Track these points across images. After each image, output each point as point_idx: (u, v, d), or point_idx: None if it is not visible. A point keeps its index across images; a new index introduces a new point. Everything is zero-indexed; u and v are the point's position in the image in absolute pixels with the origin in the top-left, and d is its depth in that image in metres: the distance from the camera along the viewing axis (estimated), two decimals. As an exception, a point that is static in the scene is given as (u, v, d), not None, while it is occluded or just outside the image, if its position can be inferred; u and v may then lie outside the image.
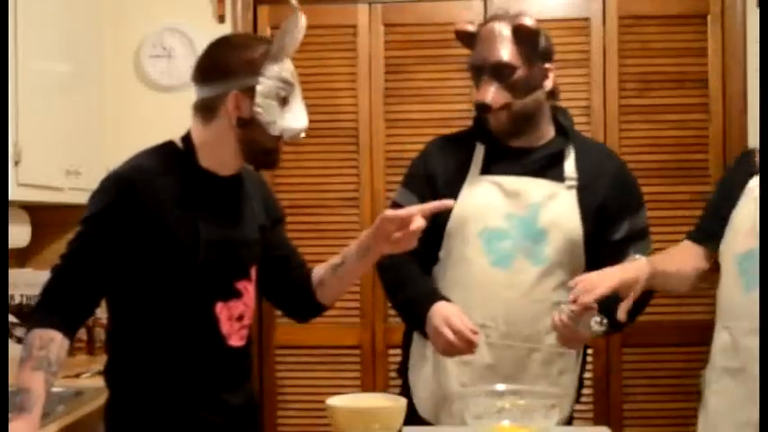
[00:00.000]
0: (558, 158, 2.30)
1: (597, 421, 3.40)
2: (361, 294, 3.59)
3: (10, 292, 3.12)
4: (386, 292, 2.38)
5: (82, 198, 3.18)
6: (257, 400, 2.19)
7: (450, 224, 2.27)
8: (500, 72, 2.25)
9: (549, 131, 2.34)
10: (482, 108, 2.26)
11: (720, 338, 2.16)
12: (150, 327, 1.93)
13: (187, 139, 1.97)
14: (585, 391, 3.56)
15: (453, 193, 2.26)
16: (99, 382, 2.71)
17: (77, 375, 2.79)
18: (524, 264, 2.23)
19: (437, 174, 2.34)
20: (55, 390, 2.54)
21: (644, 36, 3.55)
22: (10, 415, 1.76)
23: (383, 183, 3.59)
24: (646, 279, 2.06)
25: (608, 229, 2.28)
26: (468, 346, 2.12)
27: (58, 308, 1.85)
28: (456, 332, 2.12)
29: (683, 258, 2.22)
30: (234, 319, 1.96)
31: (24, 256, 3.40)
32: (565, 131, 2.34)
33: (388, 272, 2.33)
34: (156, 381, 1.93)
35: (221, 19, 3.57)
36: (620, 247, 2.27)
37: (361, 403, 1.91)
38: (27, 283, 3.19)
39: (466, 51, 3.58)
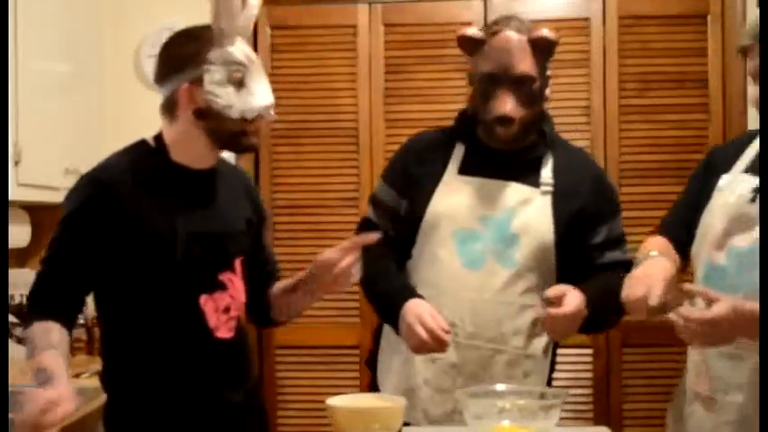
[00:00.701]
0: (537, 164, 2.30)
1: (597, 421, 3.40)
2: (360, 294, 3.58)
3: (10, 292, 3.11)
4: (361, 284, 2.34)
5: (82, 198, 3.21)
6: (261, 401, 2.18)
7: (425, 222, 2.27)
8: (521, 84, 2.23)
9: (531, 135, 2.33)
10: (502, 120, 2.23)
11: (692, 359, 2.08)
12: (139, 325, 1.93)
13: (159, 137, 1.99)
14: (585, 391, 3.57)
15: (429, 190, 2.28)
16: (98, 382, 2.72)
17: (77, 375, 2.78)
18: (495, 266, 2.23)
19: (416, 170, 2.35)
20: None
21: (644, 36, 3.56)
22: (39, 389, 1.72)
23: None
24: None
25: (586, 234, 2.29)
26: (439, 344, 2.13)
27: (46, 309, 1.88)
28: (428, 330, 2.12)
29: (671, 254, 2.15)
30: (220, 311, 1.96)
31: (24, 256, 3.40)
32: (545, 136, 2.34)
33: (365, 264, 2.32)
34: (151, 379, 1.93)
35: (221, 19, 3.57)
36: (598, 252, 2.28)
37: (361, 403, 1.91)
38: (27, 283, 3.13)
39: (466, 51, 3.61)
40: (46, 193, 2.95)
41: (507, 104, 2.22)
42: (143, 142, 2.00)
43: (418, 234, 2.30)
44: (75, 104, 3.19)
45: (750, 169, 2.01)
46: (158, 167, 1.95)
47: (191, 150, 1.95)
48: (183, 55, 1.92)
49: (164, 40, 2.01)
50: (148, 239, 1.89)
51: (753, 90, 1.95)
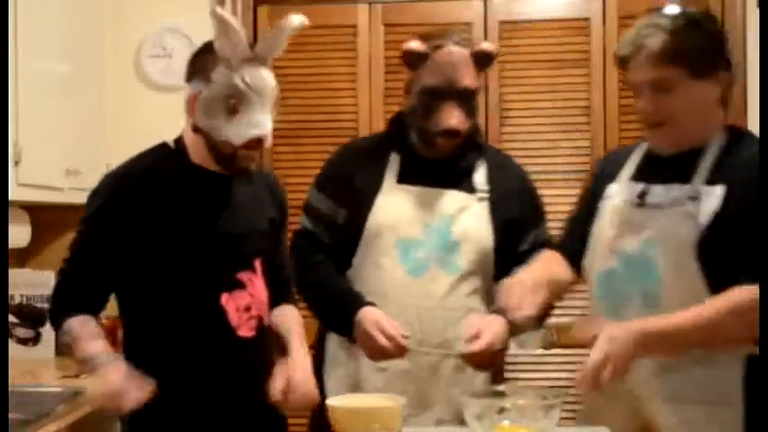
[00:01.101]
0: (470, 171, 2.35)
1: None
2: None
3: (10, 292, 3.11)
4: (299, 291, 2.34)
5: (82, 198, 3.17)
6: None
7: (367, 231, 2.29)
8: (465, 97, 2.28)
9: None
10: (449, 133, 2.27)
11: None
12: (160, 323, 1.96)
13: (179, 139, 2.02)
14: (585, 391, 3.57)
15: (368, 200, 2.29)
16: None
17: (77, 375, 2.78)
18: (438, 273, 2.26)
19: (352, 179, 2.36)
20: (55, 390, 2.56)
21: (644, 36, 3.55)
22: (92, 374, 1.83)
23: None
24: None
25: (517, 241, 2.34)
26: (399, 351, 2.16)
27: (73, 305, 1.92)
28: (389, 337, 2.15)
29: (559, 264, 2.16)
30: (242, 309, 1.97)
31: (24, 256, 3.40)
32: (478, 144, 2.39)
33: (303, 271, 2.34)
34: (172, 377, 1.94)
35: (221, 19, 3.57)
36: (526, 258, 2.29)
37: (361, 403, 1.91)
38: (27, 283, 3.19)
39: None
40: (46, 193, 2.95)
41: (454, 118, 2.26)
42: (164, 144, 2.03)
43: (360, 243, 2.30)
44: (75, 104, 3.19)
45: (635, 176, 2.03)
46: (178, 169, 1.97)
47: (201, 155, 1.97)
48: (196, 64, 1.94)
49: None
50: (168, 239, 1.92)
51: (635, 102, 1.98)
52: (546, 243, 2.35)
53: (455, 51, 2.28)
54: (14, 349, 3.08)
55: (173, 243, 1.92)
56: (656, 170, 1.98)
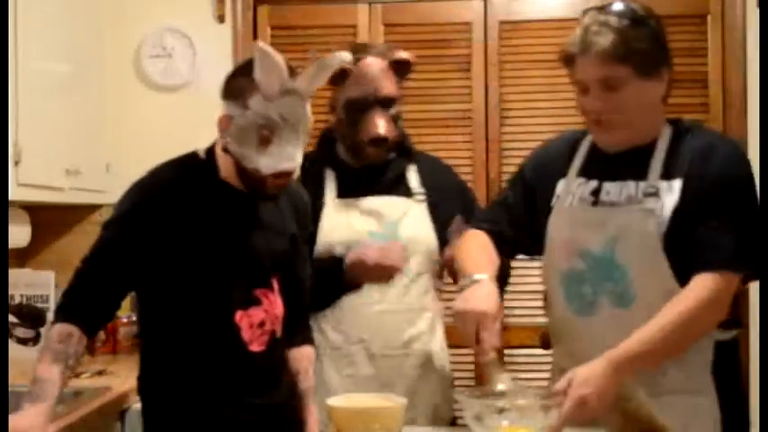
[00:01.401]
0: (403, 176, 2.44)
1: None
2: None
3: (10, 292, 3.11)
4: None
5: (82, 198, 3.21)
6: (288, 400, 2.15)
7: (318, 249, 2.33)
8: (388, 106, 2.38)
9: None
10: (377, 141, 2.35)
11: (559, 366, 2.04)
12: (176, 335, 1.97)
13: (210, 150, 2.00)
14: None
15: (315, 218, 2.32)
16: (99, 382, 2.72)
17: (77, 375, 2.78)
18: None
19: None
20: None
21: (644, 36, 3.55)
22: (24, 405, 1.79)
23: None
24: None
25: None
26: (397, 260, 2.23)
27: (78, 308, 1.91)
28: (381, 248, 2.24)
29: (494, 254, 2.11)
30: (255, 326, 1.97)
31: (24, 256, 3.40)
32: (407, 150, 2.47)
33: None
34: (184, 388, 1.96)
35: (221, 19, 3.57)
36: None
37: (361, 403, 1.91)
38: (27, 283, 3.19)
39: (466, 51, 3.62)
40: (46, 193, 2.95)
41: (380, 126, 2.35)
42: (194, 154, 2.01)
43: (312, 259, 2.31)
44: (75, 104, 3.19)
45: (584, 172, 2.03)
46: (205, 183, 1.96)
47: (230, 172, 1.96)
48: (234, 86, 1.90)
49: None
50: (188, 253, 1.92)
51: (579, 99, 1.99)
52: None
53: (374, 62, 2.39)
54: (14, 349, 3.08)
55: (192, 258, 1.92)
56: (605, 167, 2.00)
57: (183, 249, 1.92)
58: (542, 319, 3.48)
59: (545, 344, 3.50)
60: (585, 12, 1.96)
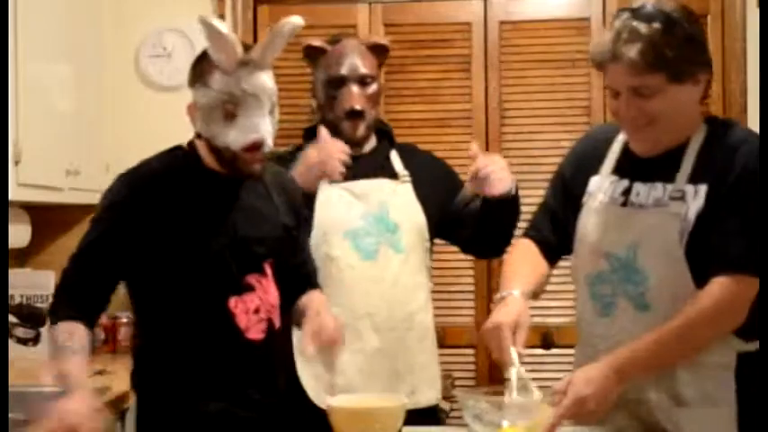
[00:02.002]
0: (387, 160, 2.53)
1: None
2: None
3: (10, 292, 3.11)
4: None
5: (82, 198, 3.21)
6: (287, 395, 2.16)
7: (315, 234, 2.38)
8: (365, 83, 2.47)
9: (373, 137, 2.56)
10: (352, 114, 2.45)
11: (579, 365, 2.01)
12: (170, 325, 1.97)
13: (192, 141, 2.02)
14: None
15: (307, 205, 2.33)
16: (99, 382, 2.72)
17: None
18: (388, 253, 2.43)
19: None
20: (55, 390, 2.55)
21: (644, 36, 3.55)
22: (67, 397, 1.78)
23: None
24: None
25: (447, 204, 2.52)
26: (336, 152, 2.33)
27: (72, 303, 1.92)
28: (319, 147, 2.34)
29: (538, 265, 2.13)
30: (251, 312, 1.98)
31: (24, 256, 3.40)
32: (388, 135, 2.58)
33: None
34: (180, 379, 1.96)
35: (221, 19, 3.56)
36: (463, 206, 2.51)
37: (361, 403, 1.91)
38: (27, 283, 3.19)
39: (466, 51, 3.62)
40: (46, 193, 2.95)
41: (355, 99, 2.45)
42: (178, 147, 2.04)
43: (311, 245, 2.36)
44: (75, 104, 3.19)
45: (617, 171, 2.00)
46: (190, 172, 1.98)
47: (211, 158, 1.98)
48: (194, 71, 1.94)
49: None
50: (177, 241, 1.93)
51: (612, 103, 1.93)
52: (472, 200, 2.51)
53: (351, 43, 2.52)
54: (14, 349, 3.08)
55: (181, 246, 1.93)
56: (637, 167, 1.96)
57: (171, 237, 1.92)
58: (542, 320, 3.49)
59: (545, 344, 3.51)
60: (618, 13, 1.89)
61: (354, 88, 2.45)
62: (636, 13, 1.85)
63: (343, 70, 2.46)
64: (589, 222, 2.00)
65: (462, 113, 3.61)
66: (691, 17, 1.90)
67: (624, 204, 1.95)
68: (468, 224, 2.47)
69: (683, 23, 1.86)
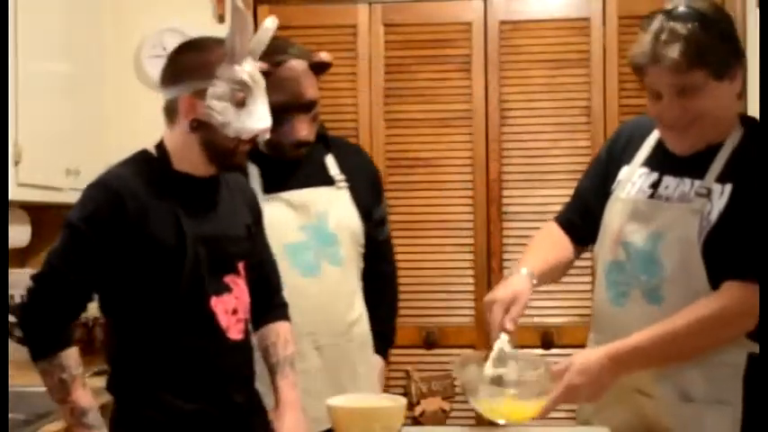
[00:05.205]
0: (322, 164, 2.50)
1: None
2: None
3: (10, 292, 3.11)
4: None
5: (82, 198, 3.21)
6: (260, 400, 2.16)
7: None
8: (311, 108, 2.42)
9: None
10: (300, 144, 2.41)
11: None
12: (150, 329, 1.94)
13: (160, 145, 2.01)
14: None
15: None
16: (98, 382, 2.71)
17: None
18: (327, 268, 2.42)
19: None
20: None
21: (644, 36, 3.55)
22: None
23: (383, 183, 3.59)
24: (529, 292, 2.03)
25: (369, 219, 2.51)
26: None
27: (59, 323, 1.90)
28: None
29: (557, 247, 2.15)
30: (229, 312, 1.98)
31: (24, 256, 3.40)
32: (324, 138, 2.53)
33: None
34: (161, 381, 1.94)
35: (221, 19, 3.57)
36: (379, 228, 2.56)
37: (361, 403, 1.91)
38: (27, 283, 3.18)
39: (466, 51, 3.62)
40: (46, 193, 2.95)
41: (304, 130, 2.41)
42: (144, 152, 2.02)
43: None
44: (75, 104, 3.20)
45: (649, 163, 2.01)
46: (161, 175, 1.97)
47: (189, 158, 1.97)
48: (191, 65, 1.94)
49: (166, 42, 2.02)
50: (156, 244, 1.91)
51: (652, 105, 1.93)
52: (383, 220, 2.58)
53: (296, 65, 2.41)
54: (14, 349, 3.07)
55: (161, 248, 1.91)
56: (670, 161, 1.96)
57: (150, 240, 1.91)
58: (542, 320, 3.50)
59: (545, 344, 3.51)
60: (650, 17, 1.91)
61: (301, 117, 2.39)
62: (670, 15, 1.87)
63: (290, 98, 2.37)
64: (613, 211, 2.01)
65: (462, 113, 3.61)
66: (723, 14, 1.94)
67: (651, 197, 1.96)
68: None
69: (718, 21, 1.89)
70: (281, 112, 2.34)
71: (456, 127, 3.62)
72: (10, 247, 3.01)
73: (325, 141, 2.54)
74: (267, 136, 1.99)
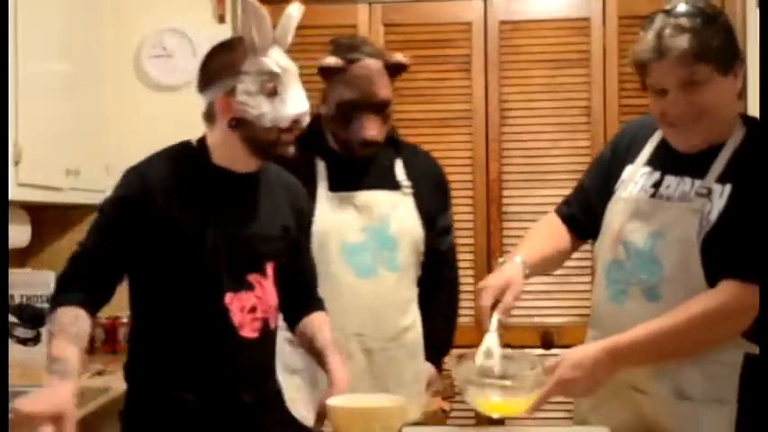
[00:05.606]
0: (391, 168, 2.49)
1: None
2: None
3: (10, 292, 3.11)
4: None
5: (82, 198, 3.21)
6: (276, 399, 2.16)
7: (313, 242, 2.33)
8: (383, 108, 2.40)
9: None
10: (368, 144, 2.39)
11: None
12: (165, 318, 1.97)
13: (202, 139, 2.04)
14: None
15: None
16: (99, 382, 2.72)
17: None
18: (383, 272, 2.41)
19: None
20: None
21: (644, 36, 3.55)
22: (52, 380, 1.75)
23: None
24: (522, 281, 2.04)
25: (434, 224, 2.51)
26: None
27: (77, 289, 1.92)
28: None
29: (555, 237, 2.17)
30: (246, 310, 1.98)
31: (24, 256, 3.40)
32: (393, 141, 2.52)
33: None
34: (171, 373, 1.96)
35: (221, 19, 3.57)
36: (443, 237, 2.55)
37: (361, 403, 1.91)
38: (27, 283, 3.18)
39: (466, 51, 3.62)
40: (46, 193, 2.95)
41: (373, 130, 2.39)
42: (187, 143, 2.05)
43: None
44: (75, 104, 3.20)
45: (651, 162, 2.01)
46: (198, 168, 2.00)
47: (230, 155, 1.99)
48: (218, 66, 1.97)
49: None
50: (177, 235, 1.94)
51: (656, 103, 1.94)
52: (448, 229, 2.57)
53: (370, 64, 2.39)
54: (14, 349, 3.08)
55: (181, 240, 1.94)
56: (671, 160, 1.97)
57: (171, 232, 1.94)
58: (542, 320, 3.50)
59: (545, 344, 3.51)
60: (651, 16, 1.93)
61: (371, 116, 2.38)
62: (672, 13, 1.89)
63: (361, 96, 2.37)
64: (615, 210, 2.02)
65: (462, 113, 3.61)
66: (721, 12, 1.95)
67: (653, 196, 1.96)
68: None
69: (720, 17, 1.91)
70: (352, 110, 2.37)
71: (456, 127, 3.62)
72: (10, 247, 3.01)
73: (395, 145, 2.53)
74: (307, 119, 1.98)
